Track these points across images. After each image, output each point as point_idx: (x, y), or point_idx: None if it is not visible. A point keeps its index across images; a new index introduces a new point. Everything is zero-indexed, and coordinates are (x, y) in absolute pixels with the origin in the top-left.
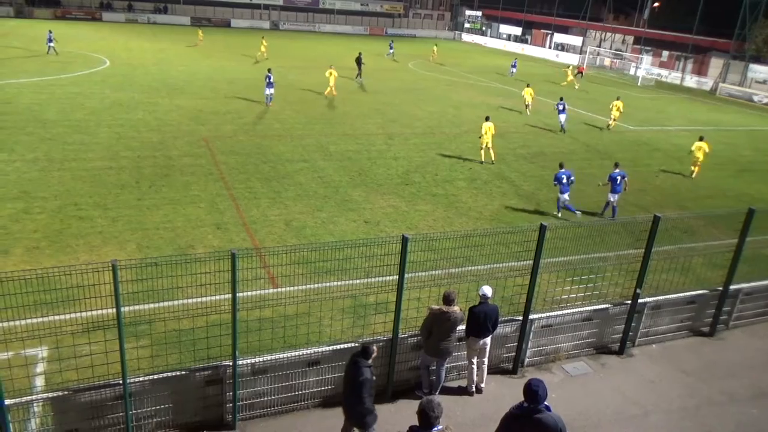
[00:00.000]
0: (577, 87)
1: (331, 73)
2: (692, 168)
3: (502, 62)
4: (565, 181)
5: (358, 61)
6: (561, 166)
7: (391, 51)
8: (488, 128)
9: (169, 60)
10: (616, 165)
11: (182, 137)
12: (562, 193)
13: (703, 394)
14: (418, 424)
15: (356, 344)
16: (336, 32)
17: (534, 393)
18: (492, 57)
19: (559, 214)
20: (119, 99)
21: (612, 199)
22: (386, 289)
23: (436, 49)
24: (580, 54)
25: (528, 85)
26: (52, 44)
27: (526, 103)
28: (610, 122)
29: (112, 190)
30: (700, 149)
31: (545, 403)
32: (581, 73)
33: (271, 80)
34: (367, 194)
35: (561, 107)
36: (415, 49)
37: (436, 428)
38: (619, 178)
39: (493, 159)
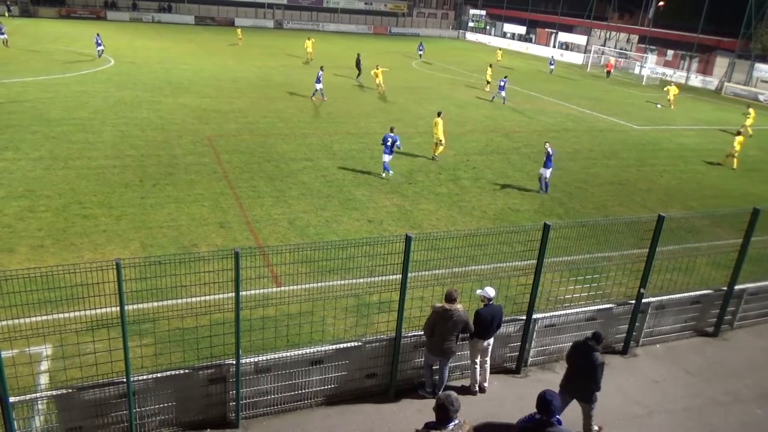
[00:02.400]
0: (672, 107)
1: (377, 74)
2: (731, 160)
3: (505, 61)
4: (390, 143)
5: (358, 62)
6: (391, 129)
7: (421, 52)
8: (435, 122)
9: (173, 59)
10: (546, 143)
11: (186, 136)
12: (385, 153)
13: (707, 394)
14: (435, 419)
15: (359, 343)
16: (340, 31)
17: (548, 404)
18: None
19: (383, 175)
20: (123, 98)
21: (546, 175)
22: (389, 288)
23: (500, 53)
24: (585, 53)
25: (490, 65)
26: (101, 47)
27: (487, 80)
28: (744, 127)
29: (117, 189)
30: (740, 143)
31: (557, 416)
32: (609, 72)
33: (320, 77)
34: (370, 193)
35: (502, 84)
36: (427, 51)
37: (453, 422)
38: (552, 154)
39: (435, 154)
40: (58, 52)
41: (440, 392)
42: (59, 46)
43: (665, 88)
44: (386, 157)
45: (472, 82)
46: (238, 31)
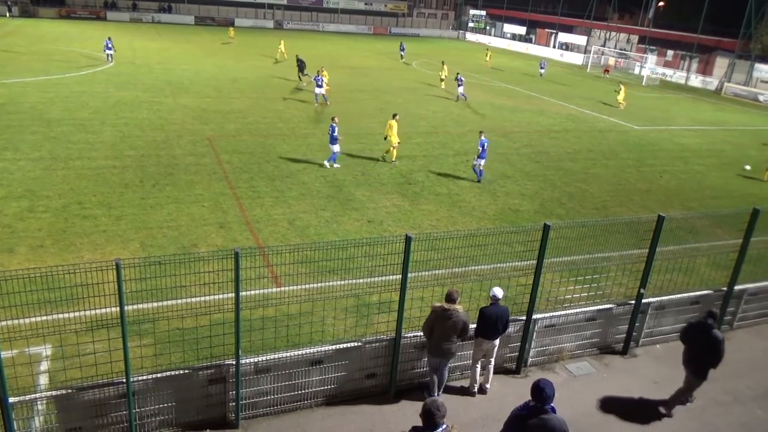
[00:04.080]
0: (621, 107)
1: (325, 74)
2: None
3: (505, 61)
4: (335, 133)
5: (299, 63)
6: (333, 119)
7: (403, 53)
8: (389, 124)
9: (172, 59)
10: (481, 133)
11: (186, 136)
12: (331, 143)
13: (707, 394)
14: (422, 424)
15: (359, 343)
16: (340, 32)
17: (541, 391)
18: (496, 57)
19: (336, 164)
20: (123, 98)
21: (476, 163)
22: (389, 288)
23: (489, 54)
24: (585, 53)
25: (443, 63)
26: (110, 51)
27: (442, 77)
28: None
29: (116, 189)
30: None
31: (551, 404)
32: (607, 72)
33: (320, 82)
34: (370, 193)
35: (460, 81)
36: (424, 50)
37: (441, 428)
38: (486, 144)
39: (392, 157)
40: (57, 52)
41: (428, 398)
42: (59, 46)
43: (616, 90)
44: (333, 147)
45: (472, 82)
46: (230, 30)
